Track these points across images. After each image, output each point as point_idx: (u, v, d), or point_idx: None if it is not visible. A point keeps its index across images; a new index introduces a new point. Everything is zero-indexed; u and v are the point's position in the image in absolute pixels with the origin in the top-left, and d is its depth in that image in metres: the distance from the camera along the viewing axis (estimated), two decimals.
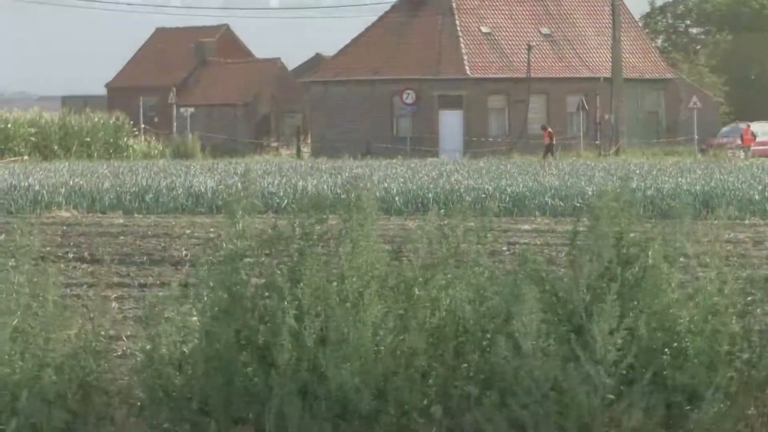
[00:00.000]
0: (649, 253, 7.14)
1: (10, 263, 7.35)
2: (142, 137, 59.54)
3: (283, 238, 7.32)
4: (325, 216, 7.34)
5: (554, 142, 55.60)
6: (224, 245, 7.30)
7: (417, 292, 7.24)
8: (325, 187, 26.86)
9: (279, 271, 7.26)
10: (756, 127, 62.72)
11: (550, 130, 56.40)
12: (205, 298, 7.26)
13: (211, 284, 7.24)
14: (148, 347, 7.25)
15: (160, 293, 7.48)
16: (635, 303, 7.07)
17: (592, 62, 64.22)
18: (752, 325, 7.21)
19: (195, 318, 7.28)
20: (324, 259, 7.26)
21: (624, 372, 6.99)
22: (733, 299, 7.17)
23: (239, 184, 7.63)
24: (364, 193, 7.36)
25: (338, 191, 25.27)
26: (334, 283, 7.17)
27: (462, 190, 27.22)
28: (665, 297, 7.08)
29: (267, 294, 7.22)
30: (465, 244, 7.39)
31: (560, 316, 7.11)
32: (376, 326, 7.11)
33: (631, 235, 7.27)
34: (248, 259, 7.35)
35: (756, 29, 75.69)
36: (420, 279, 7.28)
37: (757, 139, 61.53)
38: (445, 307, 7.24)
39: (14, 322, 7.18)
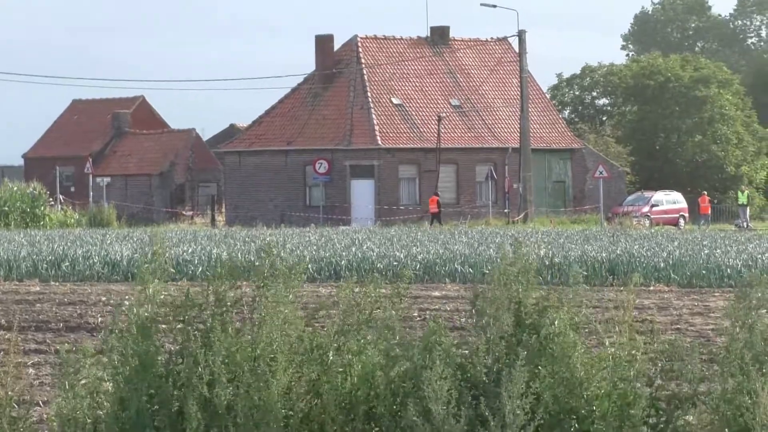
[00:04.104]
0: (555, 320, 7.21)
1: None
2: (59, 206, 59.21)
3: (196, 304, 7.31)
4: (238, 282, 7.38)
5: (438, 210, 56.45)
6: (134, 310, 7.26)
7: (330, 358, 7.28)
8: (239, 254, 27.02)
9: (193, 338, 7.24)
10: (660, 195, 63.87)
11: (437, 198, 57.39)
12: (116, 364, 7.22)
13: (122, 351, 7.20)
14: (63, 412, 7.20)
15: (74, 357, 7.41)
16: (540, 369, 7.13)
17: (500, 133, 65.20)
18: (660, 391, 7.27)
19: (108, 384, 7.29)
20: (237, 325, 7.27)
21: None
22: (642, 366, 7.20)
23: (148, 250, 7.53)
24: (279, 260, 7.35)
25: (251, 258, 25.49)
26: (247, 350, 7.15)
27: (374, 257, 27.52)
28: (571, 363, 7.12)
29: (181, 360, 7.22)
30: (378, 310, 7.44)
31: (465, 382, 7.20)
32: (286, 392, 7.11)
33: (532, 300, 7.36)
34: (163, 326, 7.35)
35: (660, 101, 77.33)
36: (333, 345, 7.32)
37: (662, 208, 62.60)
38: (358, 373, 7.29)
39: None
